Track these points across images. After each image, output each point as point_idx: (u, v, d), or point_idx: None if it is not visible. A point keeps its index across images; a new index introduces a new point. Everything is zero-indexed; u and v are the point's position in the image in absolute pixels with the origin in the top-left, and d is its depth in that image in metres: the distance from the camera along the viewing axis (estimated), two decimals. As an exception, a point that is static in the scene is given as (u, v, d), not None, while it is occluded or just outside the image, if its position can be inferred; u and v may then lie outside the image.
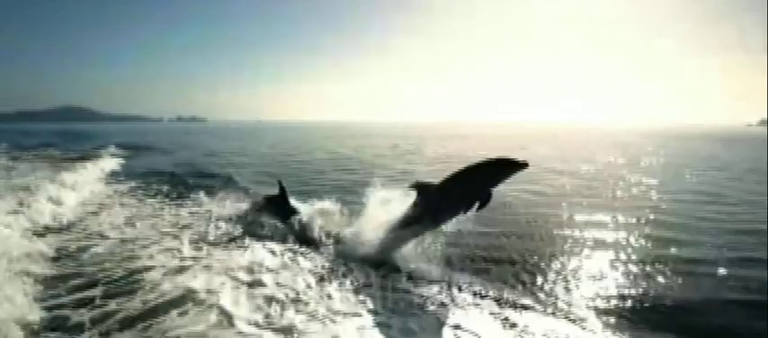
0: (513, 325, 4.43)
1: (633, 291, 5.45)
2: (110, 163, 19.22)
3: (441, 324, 4.43)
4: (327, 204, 8.60)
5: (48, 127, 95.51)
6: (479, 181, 5.37)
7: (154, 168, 18.16)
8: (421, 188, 5.70)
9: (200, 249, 6.68)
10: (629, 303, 5.14)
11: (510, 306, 4.85)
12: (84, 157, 21.20)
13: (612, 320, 4.72)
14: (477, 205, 5.39)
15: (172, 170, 17.32)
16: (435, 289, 5.27)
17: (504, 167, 5.32)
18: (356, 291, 5.15)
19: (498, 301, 4.98)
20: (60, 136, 48.50)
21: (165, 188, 12.61)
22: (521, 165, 5.24)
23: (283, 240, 7.31)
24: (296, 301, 4.81)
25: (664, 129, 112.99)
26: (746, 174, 17.68)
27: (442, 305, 4.87)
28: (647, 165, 21.54)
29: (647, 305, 5.10)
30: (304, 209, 8.33)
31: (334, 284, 5.37)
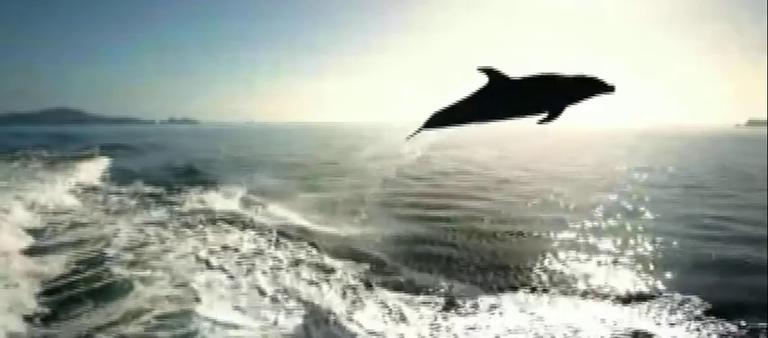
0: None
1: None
2: (94, 163, 22.01)
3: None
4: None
5: (39, 129, 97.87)
6: (558, 90, 4.99)
7: (129, 168, 20.90)
8: (492, 74, 5.16)
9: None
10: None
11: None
12: (70, 158, 24.06)
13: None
14: (545, 116, 5.08)
15: (142, 167, 20.36)
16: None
17: (589, 86, 4.92)
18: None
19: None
20: (50, 138, 50.79)
21: (127, 181, 15.60)
22: (607, 88, 4.89)
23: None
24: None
25: (653, 130, 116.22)
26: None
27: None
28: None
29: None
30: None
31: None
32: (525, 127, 5.31)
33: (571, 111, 5.08)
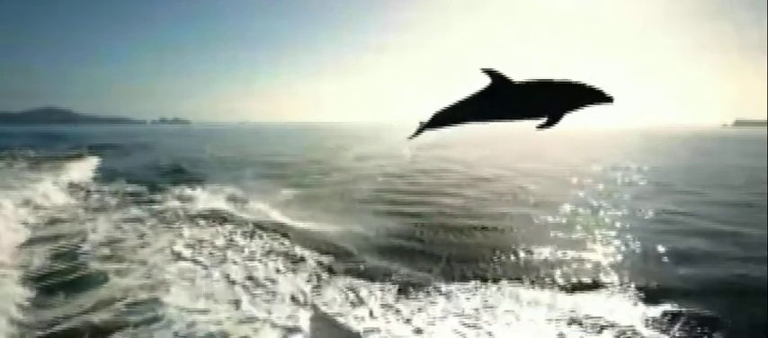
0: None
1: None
2: (81, 163, 22.27)
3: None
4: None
5: (29, 129, 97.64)
6: (557, 97, 5.13)
7: (115, 167, 21.22)
8: (494, 75, 5.27)
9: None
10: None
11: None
12: (57, 158, 24.33)
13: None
14: (544, 120, 5.21)
15: (128, 167, 20.70)
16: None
17: (589, 95, 5.09)
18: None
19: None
20: (39, 138, 50.94)
21: (111, 179, 15.97)
22: (606, 98, 5.08)
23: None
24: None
25: (650, 130, 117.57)
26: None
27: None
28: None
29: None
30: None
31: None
32: (526, 128, 5.23)
33: (573, 113, 5.12)
